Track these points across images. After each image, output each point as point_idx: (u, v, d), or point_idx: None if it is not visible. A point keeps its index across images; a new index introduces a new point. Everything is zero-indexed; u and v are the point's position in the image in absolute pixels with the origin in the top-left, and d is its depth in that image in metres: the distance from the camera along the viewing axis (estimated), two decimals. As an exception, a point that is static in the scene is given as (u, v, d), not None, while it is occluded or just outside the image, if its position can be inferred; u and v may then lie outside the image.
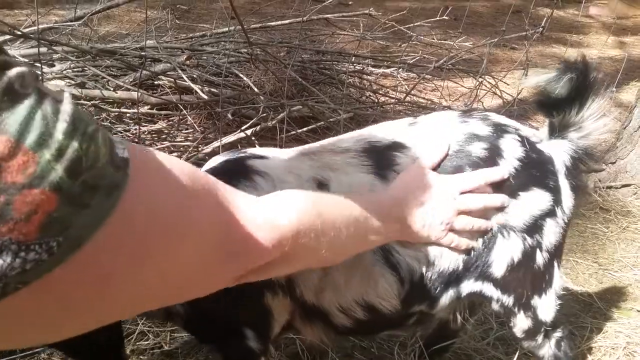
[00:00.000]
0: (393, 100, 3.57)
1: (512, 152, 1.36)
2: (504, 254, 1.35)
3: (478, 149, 1.35)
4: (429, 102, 3.78)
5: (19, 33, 2.28)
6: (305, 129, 2.78)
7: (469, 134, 1.39)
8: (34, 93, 0.48)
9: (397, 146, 1.35)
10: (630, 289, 2.59)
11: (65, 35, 3.40)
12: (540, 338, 1.50)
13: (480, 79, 3.37)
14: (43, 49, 2.83)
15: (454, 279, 1.36)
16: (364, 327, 1.39)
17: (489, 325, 2.21)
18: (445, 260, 1.34)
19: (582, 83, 1.42)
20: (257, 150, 1.44)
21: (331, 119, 2.83)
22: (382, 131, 1.42)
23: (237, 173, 1.28)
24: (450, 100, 4.05)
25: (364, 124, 3.46)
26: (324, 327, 1.38)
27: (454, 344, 1.99)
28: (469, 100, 3.86)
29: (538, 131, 1.52)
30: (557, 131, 1.47)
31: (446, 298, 1.40)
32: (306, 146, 1.44)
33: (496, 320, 2.22)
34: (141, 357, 2.04)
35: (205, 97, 2.52)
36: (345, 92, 3.03)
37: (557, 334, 1.55)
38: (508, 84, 3.83)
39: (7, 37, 2.89)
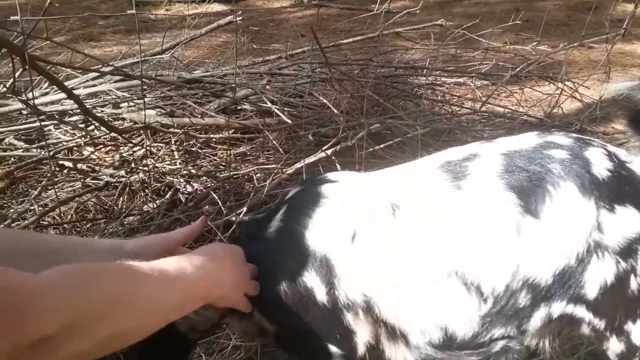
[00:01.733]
0: (468, 110, 3.56)
1: (600, 163, 1.32)
2: (598, 274, 1.31)
3: (560, 154, 1.32)
4: (505, 109, 3.72)
5: (126, 73, 2.50)
6: (382, 145, 2.84)
7: (546, 141, 1.37)
8: None
9: (469, 157, 1.37)
10: None
11: (153, 65, 3.64)
12: None
13: (560, 85, 3.29)
14: (135, 82, 3.06)
15: (544, 294, 1.31)
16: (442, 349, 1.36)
17: (579, 340, 2.16)
18: (535, 267, 1.28)
19: None
20: (331, 175, 1.51)
21: (408, 135, 2.87)
22: (456, 150, 1.45)
23: (310, 200, 1.38)
24: (527, 106, 3.97)
25: (439, 136, 3.48)
26: (406, 347, 1.37)
27: (542, 360, 1.97)
28: (547, 106, 3.78)
29: (628, 152, 1.46)
30: None
31: (538, 318, 1.33)
32: (382, 170, 1.49)
33: (587, 333, 2.17)
34: (233, 370, 2.16)
35: (289, 121, 2.64)
36: (422, 107, 3.06)
37: None
38: (588, 87, 3.72)
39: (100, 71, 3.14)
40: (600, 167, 1.32)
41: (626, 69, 4.67)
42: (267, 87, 3.01)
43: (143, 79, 2.40)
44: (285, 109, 2.94)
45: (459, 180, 1.33)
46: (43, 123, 2.99)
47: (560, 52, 3.89)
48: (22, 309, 0.74)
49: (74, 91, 3.20)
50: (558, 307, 1.34)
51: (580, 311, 1.34)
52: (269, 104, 2.74)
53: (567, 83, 3.49)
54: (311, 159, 2.60)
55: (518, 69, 3.57)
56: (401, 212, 1.33)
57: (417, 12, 4.76)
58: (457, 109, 3.76)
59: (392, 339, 1.36)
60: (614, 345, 1.42)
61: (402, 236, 1.32)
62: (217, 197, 2.52)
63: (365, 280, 1.32)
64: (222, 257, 1.28)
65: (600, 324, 1.36)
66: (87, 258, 1.18)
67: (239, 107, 3.14)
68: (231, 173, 2.70)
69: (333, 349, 1.38)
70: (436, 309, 1.32)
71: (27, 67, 1.97)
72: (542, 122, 3.62)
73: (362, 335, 1.37)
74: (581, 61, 5.18)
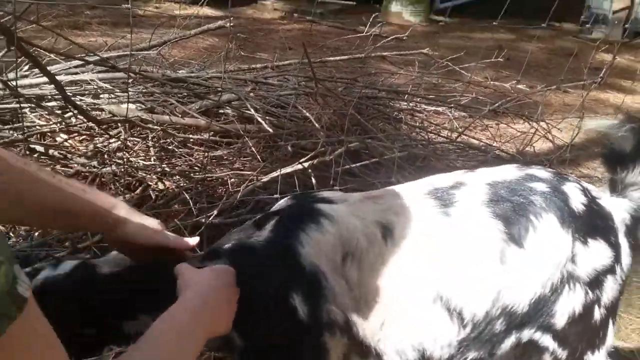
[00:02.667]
0: (445, 139, 3.63)
1: (576, 197, 1.38)
2: (568, 304, 1.35)
3: (541, 186, 1.38)
4: (480, 142, 3.81)
5: (112, 64, 2.50)
6: (359, 164, 2.87)
7: (527, 174, 1.43)
8: None
9: (456, 185, 1.41)
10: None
11: (138, 60, 3.62)
12: None
13: (535, 125, 3.40)
14: (119, 74, 3.04)
15: (519, 322, 1.35)
16: None
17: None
18: (514, 296, 1.32)
19: None
20: (325, 193, 1.50)
21: (385, 157, 2.91)
22: (442, 178, 1.49)
23: (306, 216, 1.35)
24: (500, 141, 4.07)
25: (413, 161, 3.54)
26: None
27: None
28: (520, 143, 3.88)
29: (597, 188, 1.54)
30: (619, 190, 1.50)
31: (508, 344, 1.37)
32: (371, 192, 1.50)
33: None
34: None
35: (270, 130, 2.66)
36: (400, 131, 3.11)
37: None
38: (560, 130, 3.84)
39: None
40: (577, 201, 1.38)
41: (598, 116, 4.83)
42: (251, 94, 3.03)
43: (128, 73, 2.39)
44: (267, 118, 2.96)
45: (447, 207, 1.36)
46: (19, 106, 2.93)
47: (537, 93, 4.02)
48: None
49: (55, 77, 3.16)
50: (527, 334, 1.37)
51: (547, 340, 1.38)
52: (252, 111, 2.76)
53: (541, 123, 3.60)
54: (288, 169, 2.61)
55: (496, 104, 3.67)
56: (392, 237, 1.33)
57: (405, 38, 4.86)
58: (434, 136, 3.84)
59: (365, 358, 1.37)
60: None
61: (392, 261, 1.32)
62: (188, 198, 2.51)
63: (349, 301, 1.32)
64: (224, 294, 1.25)
65: (562, 354, 1.40)
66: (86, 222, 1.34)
67: (220, 111, 3.14)
68: (206, 175, 2.69)
69: None
70: (417, 331, 1.34)
71: (12, 48, 1.94)
72: (513, 158, 3.72)
73: (335, 353, 1.37)
74: (556, 104, 5.35)
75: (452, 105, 3.92)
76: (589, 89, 3.29)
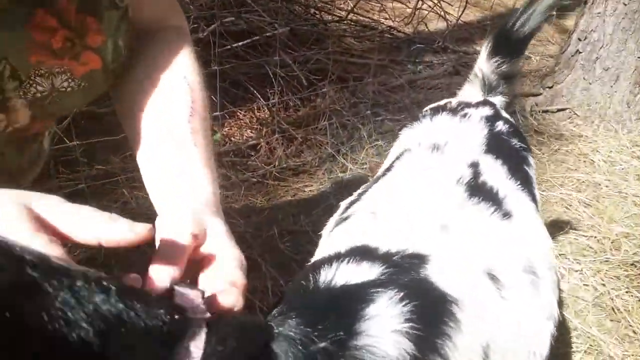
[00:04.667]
0: (336, 18, 3.47)
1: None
2: None
3: (504, 126, 1.38)
4: (373, 21, 3.69)
5: None
6: (240, 43, 2.68)
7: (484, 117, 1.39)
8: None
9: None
10: (555, 207, 2.70)
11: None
12: None
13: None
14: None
15: None
16: None
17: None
18: None
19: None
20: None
21: (268, 34, 2.73)
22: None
23: None
24: (397, 21, 3.97)
25: (305, 43, 3.37)
26: None
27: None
28: (416, 21, 3.80)
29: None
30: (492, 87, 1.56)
31: None
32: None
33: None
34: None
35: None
36: (286, 5, 2.90)
37: None
38: (451, 5, 3.78)
39: None
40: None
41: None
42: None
43: None
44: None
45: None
46: None
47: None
48: None
49: None
50: None
51: None
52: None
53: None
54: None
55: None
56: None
57: None
58: (329, 17, 3.67)
59: None
60: None
61: None
62: None
63: None
64: None
65: None
66: None
67: None
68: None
69: None
70: None
71: None
72: (408, 37, 3.64)
73: None
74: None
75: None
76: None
